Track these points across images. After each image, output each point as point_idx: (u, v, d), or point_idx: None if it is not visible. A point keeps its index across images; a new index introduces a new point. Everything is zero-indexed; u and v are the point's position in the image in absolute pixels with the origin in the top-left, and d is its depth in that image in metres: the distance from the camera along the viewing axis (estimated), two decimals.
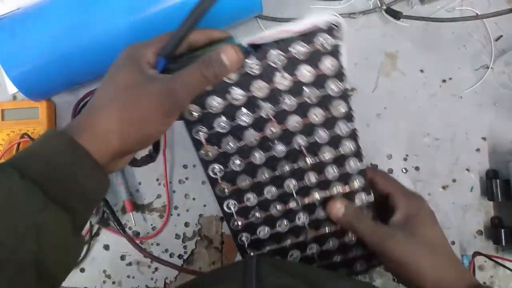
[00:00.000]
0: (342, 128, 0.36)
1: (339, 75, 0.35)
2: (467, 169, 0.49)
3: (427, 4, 0.51)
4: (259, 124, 0.35)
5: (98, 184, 0.31)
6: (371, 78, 0.50)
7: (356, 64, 0.50)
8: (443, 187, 0.49)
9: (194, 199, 0.49)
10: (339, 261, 0.41)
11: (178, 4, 0.41)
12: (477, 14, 0.50)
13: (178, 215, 0.49)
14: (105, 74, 0.33)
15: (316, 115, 0.36)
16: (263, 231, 0.39)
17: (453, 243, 0.48)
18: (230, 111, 0.35)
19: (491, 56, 0.50)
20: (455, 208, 0.49)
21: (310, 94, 0.35)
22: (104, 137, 0.30)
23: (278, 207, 0.38)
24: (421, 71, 0.50)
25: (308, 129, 0.36)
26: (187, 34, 0.32)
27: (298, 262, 0.41)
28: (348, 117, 0.36)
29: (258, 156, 0.36)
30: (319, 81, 0.35)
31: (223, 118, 0.35)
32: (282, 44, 0.33)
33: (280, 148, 0.36)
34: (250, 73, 0.33)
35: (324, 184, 0.38)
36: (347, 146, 0.37)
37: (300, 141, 0.36)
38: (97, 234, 0.49)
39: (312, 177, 0.38)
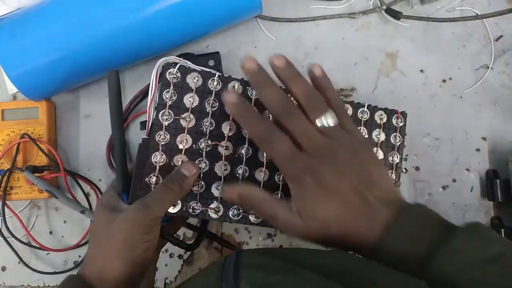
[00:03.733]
0: None
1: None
2: (467, 169, 0.49)
3: (427, 4, 0.51)
4: (214, 155, 0.37)
5: None
6: (371, 78, 0.50)
7: (356, 64, 0.51)
8: (443, 187, 0.49)
9: None
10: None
11: (178, 3, 0.41)
12: (477, 14, 0.50)
13: None
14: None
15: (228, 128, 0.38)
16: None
17: None
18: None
19: (491, 56, 0.50)
20: (455, 208, 0.49)
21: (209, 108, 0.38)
22: (104, 272, 0.34)
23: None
24: (421, 71, 0.50)
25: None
26: (124, 169, 0.38)
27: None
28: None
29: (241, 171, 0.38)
30: (202, 91, 0.38)
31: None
32: (158, 104, 0.36)
33: (245, 150, 0.38)
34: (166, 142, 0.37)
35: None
36: None
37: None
38: None
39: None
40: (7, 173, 0.46)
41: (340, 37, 0.51)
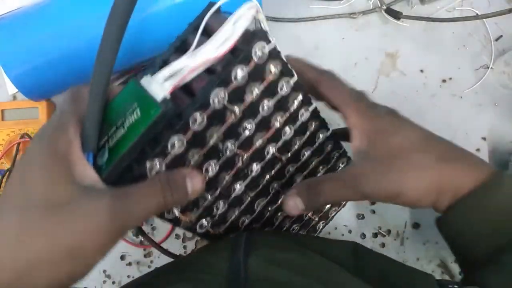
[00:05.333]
0: (303, 115, 0.32)
1: (286, 72, 0.29)
2: None
3: (427, 4, 0.51)
4: (228, 164, 0.30)
5: None
6: (371, 78, 0.50)
7: (356, 64, 0.51)
8: None
9: None
10: None
11: (177, 4, 0.41)
12: (477, 14, 0.50)
13: None
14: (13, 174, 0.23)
15: (278, 119, 0.31)
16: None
17: None
18: None
19: (491, 56, 0.50)
20: None
21: (265, 107, 0.29)
22: (25, 278, 0.21)
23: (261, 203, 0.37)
24: (421, 71, 0.50)
25: (275, 135, 0.32)
26: (100, 118, 0.24)
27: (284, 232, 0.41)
28: (306, 102, 0.32)
29: (238, 188, 0.33)
30: (270, 88, 0.29)
31: None
32: (220, 80, 0.25)
33: (255, 168, 0.33)
34: (198, 130, 0.26)
35: (302, 165, 0.36)
36: (312, 125, 0.34)
37: (272, 149, 0.33)
38: None
39: (291, 169, 0.36)
40: (7, 173, 0.47)
41: (340, 37, 0.51)
